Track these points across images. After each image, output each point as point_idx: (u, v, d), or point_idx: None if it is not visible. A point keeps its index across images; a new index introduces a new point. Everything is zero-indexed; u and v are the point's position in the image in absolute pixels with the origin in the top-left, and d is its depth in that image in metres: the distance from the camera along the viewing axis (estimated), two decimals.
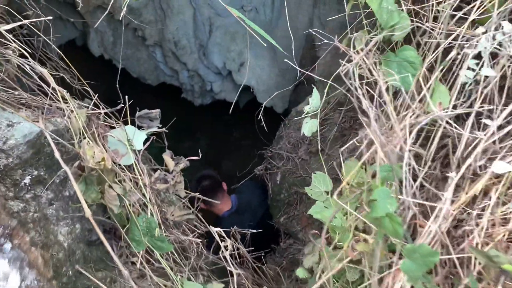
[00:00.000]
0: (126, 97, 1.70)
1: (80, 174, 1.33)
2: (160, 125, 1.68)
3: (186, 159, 1.67)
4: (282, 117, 4.38)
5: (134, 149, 1.57)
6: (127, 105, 1.58)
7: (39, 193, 1.31)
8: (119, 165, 1.48)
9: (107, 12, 2.09)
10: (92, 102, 1.56)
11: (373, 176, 1.55)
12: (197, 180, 3.26)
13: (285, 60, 3.98)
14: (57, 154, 1.22)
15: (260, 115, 2.58)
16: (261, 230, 2.89)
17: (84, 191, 1.31)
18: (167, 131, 1.78)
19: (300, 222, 2.91)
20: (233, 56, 4.09)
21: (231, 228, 2.88)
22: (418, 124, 1.32)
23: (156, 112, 1.65)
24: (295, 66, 2.30)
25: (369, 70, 1.51)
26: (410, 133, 1.31)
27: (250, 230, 3.13)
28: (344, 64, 1.63)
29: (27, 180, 1.29)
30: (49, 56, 2.49)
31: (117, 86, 2.75)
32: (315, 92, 1.70)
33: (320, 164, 2.88)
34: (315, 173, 1.82)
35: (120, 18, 1.68)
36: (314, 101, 1.69)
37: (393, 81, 1.60)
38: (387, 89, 1.48)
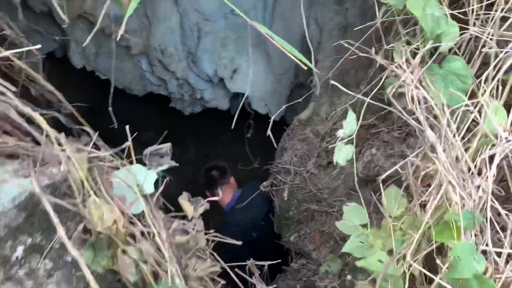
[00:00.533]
0: (127, 128, 1.43)
1: (85, 239, 1.06)
2: (173, 162, 1.41)
3: (206, 200, 1.41)
4: (278, 122, 4.14)
5: (144, 194, 1.30)
6: (130, 142, 1.31)
7: (35, 265, 1.03)
8: (130, 217, 1.21)
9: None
10: (92, 142, 1.29)
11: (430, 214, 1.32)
12: (206, 169, 3.26)
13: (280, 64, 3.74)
14: (54, 219, 0.94)
15: (268, 130, 2.33)
16: (269, 229, 2.76)
17: (92, 258, 1.05)
18: (177, 164, 1.51)
19: (313, 241, 2.67)
20: (224, 63, 3.81)
21: (233, 225, 2.95)
22: (496, 156, 1.08)
23: (167, 146, 1.39)
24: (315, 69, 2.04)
25: (416, 87, 1.26)
26: (490, 168, 1.08)
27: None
28: (385, 80, 1.39)
29: (19, 252, 1.01)
30: (32, 78, 2.18)
31: (110, 108, 2.46)
32: (351, 114, 1.45)
33: (331, 178, 2.65)
34: (347, 205, 1.57)
35: (117, 38, 1.40)
36: (350, 124, 1.44)
37: (437, 98, 1.36)
38: (442, 109, 1.24)
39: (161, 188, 1.33)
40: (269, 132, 2.34)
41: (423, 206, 1.42)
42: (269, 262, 1.99)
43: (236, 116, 2.38)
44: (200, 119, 5.20)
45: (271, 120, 2.30)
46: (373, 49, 1.50)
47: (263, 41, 3.66)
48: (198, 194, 4.85)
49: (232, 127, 2.39)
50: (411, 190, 1.43)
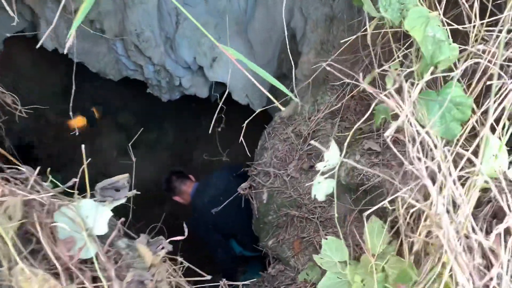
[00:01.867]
0: (84, 157, 1.23)
1: None
2: (131, 194, 1.21)
3: (167, 240, 1.22)
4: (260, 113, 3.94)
5: (94, 235, 1.11)
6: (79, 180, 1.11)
7: None
8: (80, 268, 1.02)
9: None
10: (33, 178, 1.08)
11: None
12: (165, 177, 3.48)
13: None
14: None
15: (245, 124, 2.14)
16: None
17: None
18: (138, 192, 1.32)
19: (292, 247, 2.52)
20: (204, 50, 3.57)
21: (195, 212, 3.16)
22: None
23: (123, 178, 1.19)
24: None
25: (410, 123, 1.08)
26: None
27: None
28: (374, 107, 1.20)
29: None
30: None
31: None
32: (334, 145, 1.27)
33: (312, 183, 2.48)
34: (326, 239, 1.41)
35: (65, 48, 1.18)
36: (332, 157, 1.26)
37: (434, 130, 1.19)
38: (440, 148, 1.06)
39: (115, 231, 1.13)
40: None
41: (409, 245, 1.27)
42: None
43: (218, 107, 2.27)
44: (180, 103, 4.97)
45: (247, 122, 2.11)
46: (361, 72, 1.29)
47: (244, 30, 3.42)
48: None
49: (215, 118, 2.30)
50: (400, 227, 1.26)
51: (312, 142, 1.25)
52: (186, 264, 1.53)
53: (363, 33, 1.62)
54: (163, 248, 1.15)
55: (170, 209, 5.53)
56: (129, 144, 2.87)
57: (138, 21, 3.58)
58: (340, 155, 1.25)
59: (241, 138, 2.15)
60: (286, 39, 2.08)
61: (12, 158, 1.21)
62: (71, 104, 2.34)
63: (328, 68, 2.67)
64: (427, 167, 1.09)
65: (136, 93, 5.50)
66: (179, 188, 3.35)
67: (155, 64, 3.83)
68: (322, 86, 2.76)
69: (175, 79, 3.94)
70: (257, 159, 2.77)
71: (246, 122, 2.09)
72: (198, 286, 1.66)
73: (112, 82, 4.50)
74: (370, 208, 2.01)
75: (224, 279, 1.86)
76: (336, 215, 1.39)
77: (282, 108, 1.41)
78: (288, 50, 2.24)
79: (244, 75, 3.83)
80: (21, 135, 5.76)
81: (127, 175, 1.20)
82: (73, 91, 2.23)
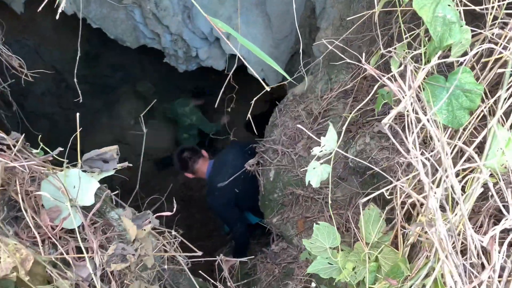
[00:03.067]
0: (78, 125, 1.20)
1: None
2: (119, 167, 1.18)
3: (155, 215, 1.20)
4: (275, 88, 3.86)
5: (79, 206, 1.09)
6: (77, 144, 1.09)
7: None
8: (62, 237, 1.01)
9: None
10: (17, 147, 1.05)
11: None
12: (177, 155, 3.32)
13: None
14: None
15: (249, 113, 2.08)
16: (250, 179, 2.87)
17: None
18: (130, 165, 1.29)
19: (296, 226, 2.49)
20: (221, 21, 3.48)
21: (214, 190, 3.06)
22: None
23: (112, 150, 1.16)
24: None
25: (414, 110, 1.01)
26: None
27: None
28: (376, 89, 1.13)
29: None
30: None
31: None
32: (331, 129, 1.20)
33: None
34: (318, 224, 1.36)
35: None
36: (329, 142, 1.19)
37: (434, 116, 1.11)
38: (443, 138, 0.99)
39: (100, 202, 1.11)
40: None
41: (404, 237, 1.21)
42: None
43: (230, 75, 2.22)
44: (197, 74, 4.92)
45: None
46: (365, 52, 1.21)
47: (263, 1, 3.31)
48: (192, 143, 4.61)
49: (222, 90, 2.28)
50: (396, 217, 1.21)
51: (322, 137, 1.17)
52: (180, 238, 1.52)
53: (377, 10, 1.52)
54: (149, 222, 1.12)
55: (184, 179, 5.56)
56: (141, 115, 2.85)
57: None
58: (338, 140, 1.19)
59: (249, 115, 2.10)
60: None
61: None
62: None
63: (342, 46, 2.57)
64: (426, 158, 1.02)
65: (154, 61, 5.47)
66: (192, 167, 3.23)
67: (173, 34, 3.77)
68: (337, 64, 2.66)
69: (192, 49, 3.88)
70: (267, 136, 2.72)
71: (254, 99, 2.03)
72: (195, 260, 1.65)
73: (130, 50, 4.47)
74: (370, 192, 1.95)
75: (221, 255, 1.86)
76: (329, 201, 1.34)
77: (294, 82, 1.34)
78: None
79: (260, 49, 3.72)
80: (42, 99, 5.84)
81: (115, 146, 1.17)
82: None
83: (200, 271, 1.68)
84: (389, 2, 1.95)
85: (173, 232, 1.47)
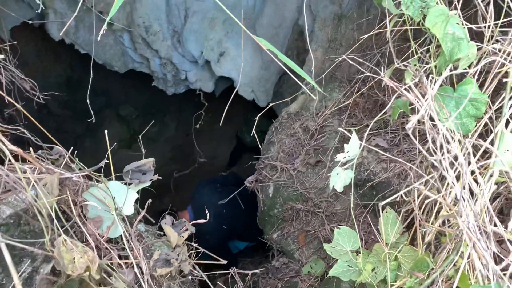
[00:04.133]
0: (109, 151, 1.27)
1: (54, 281, 0.92)
2: (155, 178, 1.25)
3: (191, 223, 1.26)
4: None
5: (123, 215, 1.15)
6: (106, 161, 1.15)
7: None
8: (106, 246, 1.07)
9: None
10: (64, 161, 1.12)
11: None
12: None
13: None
14: (8, 262, 0.79)
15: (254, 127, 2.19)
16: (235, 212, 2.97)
17: None
18: (160, 177, 1.36)
19: (297, 241, 2.57)
20: (211, 45, 3.61)
21: (203, 234, 3.06)
22: None
23: (149, 162, 1.23)
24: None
25: (430, 117, 1.13)
26: None
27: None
28: (394, 102, 1.24)
29: None
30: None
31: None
32: (354, 137, 1.31)
33: (320, 177, 2.54)
34: (339, 228, 1.46)
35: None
36: (352, 148, 1.30)
37: (450, 123, 1.24)
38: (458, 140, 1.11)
39: (143, 211, 1.18)
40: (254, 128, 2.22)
41: (422, 235, 1.32)
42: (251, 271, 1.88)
43: (228, 104, 2.32)
44: (183, 96, 5.00)
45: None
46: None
47: (252, 25, 3.46)
48: (178, 170, 4.68)
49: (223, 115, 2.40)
50: (415, 217, 1.31)
51: (345, 145, 1.28)
52: (202, 249, 1.58)
53: (378, 31, 1.67)
54: (186, 229, 1.19)
55: (170, 201, 5.57)
56: (139, 136, 2.92)
57: (146, 14, 3.61)
58: (360, 147, 1.30)
59: (254, 131, 2.20)
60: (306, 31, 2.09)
61: (51, 138, 1.25)
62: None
63: (338, 65, 2.71)
64: (445, 159, 1.14)
65: (139, 86, 5.53)
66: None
67: (162, 58, 3.86)
68: (329, 83, 2.81)
69: (181, 73, 3.97)
70: (264, 153, 2.82)
71: (257, 116, 2.14)
72: (209, 273, 1.71)
73: (114, 74, 4.52)
74: (375, 202, 2.06)
75: (234, 267, 1.92)
76: (351, 205, 1.42)
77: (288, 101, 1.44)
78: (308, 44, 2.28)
79: (250, 70, 3.88)
80: (23, 126, 5.78)
81: (152, 159, 1.24)
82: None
83: (217, 282, 1.74)
84: (381, 20, 2.10)
85: (194, 244, 1.53)
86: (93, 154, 5.86)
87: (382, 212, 1.38)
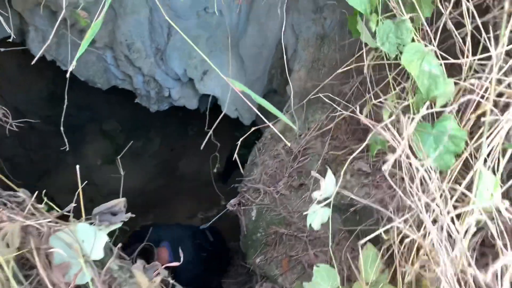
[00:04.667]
0: (80, 189, 1.23)
1: None
2: (126, 218, 1.21)
3: (163, 266, 1.22)
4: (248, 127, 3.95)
5: (91, 260, 1.11)
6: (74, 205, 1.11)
7: None
8: None
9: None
10: (30, 202, 1.07)
11: None
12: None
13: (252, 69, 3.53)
14: None
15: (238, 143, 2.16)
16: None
17: None
18: (133, 215, 1.32)
19: (280, 266, 2.53)
20: (195, 63, 3.58)
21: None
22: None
23: (120, 203, 1.19)
24: None
25: (407, 156, 1.11)
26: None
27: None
28: (370, 138, 1.22)
29: None
30: None
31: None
32: (330, 174, 1.29)
33: (303, 201, 2.51)
34: (318, 266, 1.42)
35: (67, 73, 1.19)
36: (328, 186, 1.28)
37: (428, 161, 1.22)
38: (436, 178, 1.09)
39: (113, 257, 1.13)
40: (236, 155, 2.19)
41: (402, 275, 1.29)
42: None
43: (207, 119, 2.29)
44: (167, 112, 4.97)
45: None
46: (352, 94, 1.32)
47: (235, 44, 3.44)
48: (161, 187, 4.63)
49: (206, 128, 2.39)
50: (394, 257, 1.29)
51: (313, 173, 1.25)
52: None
53: (357, 57, 1.66)
54: (158, 274, 1.15)
55: (154, 219, 5.50)
56: (118, 157, 2.87)
57: (129, 31, 3.58)
58: (336, 184, 1.27)
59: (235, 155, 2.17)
60: (284, 54, 2.07)
61: (7, 181, 1.20)
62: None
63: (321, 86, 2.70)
64: (421, 200, 1.11)
65: (123, 101, 5.47)
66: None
67: (145, 75, 3.82)
68: (312, 104, 2.80)
69: (164, 90, 3.94)
70: (247, 175, 2.79)
71: (240, 140, 2.11)
72: None
73: (97, 90, 4.47)
74: (359, 228, 2.04)
75: None
76: (330, 243, 1.40)
77: (272, 127, 1.42)
78: (286, 66, 2.27)
79: (234, 89, 3.82)
80: (3, 141, 5.68)
81: (124, 199, 1.20)
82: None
83: None
84: (361, 45, 2.09)
85: (171, 281, 1.49)
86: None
87: (362, 249, 1.36)
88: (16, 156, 5.84)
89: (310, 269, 2.45)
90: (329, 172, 1.26)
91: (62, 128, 2.01)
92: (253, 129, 2.46)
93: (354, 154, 1.29)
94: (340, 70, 1.71)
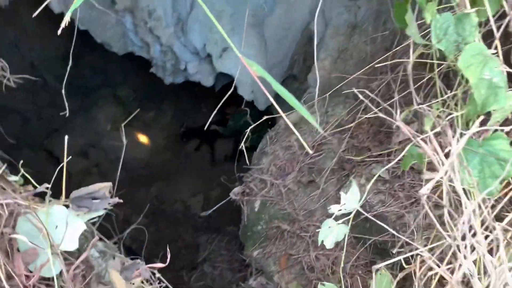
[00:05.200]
0: (65, 155, 1.05)
1: None
2: (110, 206, 1.03)
3: (147, 266, 1.04)
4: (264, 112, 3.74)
5: (60, 251, 0.93)
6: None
7: None
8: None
9: None
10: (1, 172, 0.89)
11: None
12: None
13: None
14: None
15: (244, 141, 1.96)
16: None
17: None
18: (120, 201, 1.13)
19: (278, 263, 2.36)
20: (215, 39, 3.36)
21: None
22: None
23: (105, 188, 1.00)
24: None
25: (450, 179, 0.91)
26: None
27: None
28: (408, 149, 1.02)
29: None
30: None
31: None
32: (355, 187, 1.08)
33: (310, 199, 2.32)
34: (323, 284, 1.24)
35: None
36: (351, 200, 1.08)
37: (471, 184, 1.01)
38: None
39: (88, 250, 0.95)
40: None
41: None
42: None
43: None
44: (182, 86, 4.76)
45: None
46: (378, 90, 1.11)
47: (260, 23, 3.21)
48: (167, 162, 4.46)
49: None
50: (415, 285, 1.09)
51: (342, 193, 1.05)
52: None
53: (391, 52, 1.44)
54: (139, 275, 0.97)
55: (156, 192, 5.35)
56: (122, 124, 2.71)
57: None
58: (360, 199, 1.07)
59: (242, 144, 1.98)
60: (315, 39, 1.85)
61: None
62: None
63: (345, 78, 2.49)
64: (458, 230, 0.92)
65: (138, 69, 5.28)
66: None
67: (163, 45, 3.62)
68: (334, 97, 2.58)
69: (181, 63, 3.74)
70: (254, 163, 2.60)
71: (250, 127, 1.92)
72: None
73: (116, 55, 4.28)
74: (368, 238, 1.84)
75: None
76: (342, 265, 1.21)
77: (285, 118, 1.22)
78: (315, 54, 2.06)
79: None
80: (15, 94, 5.54)
81: (109, 184, 1.02)
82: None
83: None
84: (400, 39, 1.87)
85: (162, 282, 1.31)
86: (83, 133, 5.61)
87: (375, 274, 1.17)
88: (27, 111, 5.70)
89: (309, 271, 2.28)
90: (354, 185, 1.06)
91: (63, 92, 1.82)
92: (265, 117, 2.27)
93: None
94: (378, 64, 1.48)
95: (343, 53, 2.78)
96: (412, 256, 1.10)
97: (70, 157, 1.08)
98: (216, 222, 4.48)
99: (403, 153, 1.03)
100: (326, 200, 2.26)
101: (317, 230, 2.30)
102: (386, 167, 1.61)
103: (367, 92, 1.43)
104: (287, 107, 3.18)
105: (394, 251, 1.51)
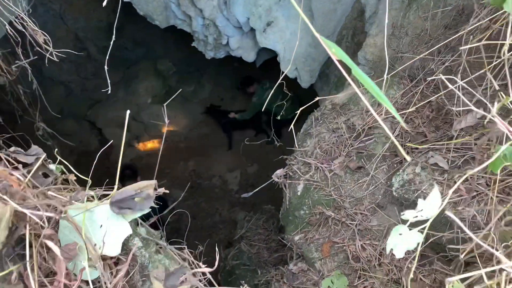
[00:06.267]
0: (122, 149, 0.91)
1: None
2: (156, 206, 0.90)
3: (192, 272, 0.91)
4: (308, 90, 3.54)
5: (99, 254, 0.81)
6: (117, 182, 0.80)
7: None
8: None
9: None
10: (38, 165, 0.77)
11: None
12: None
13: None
14: None
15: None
16: None
17: None
18: (167, 191, 1.00)
19: (320, 249, 2.22)
20: (259, 12, 3.16)
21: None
22: None
23: (149, 187, 0.87)
24: None
25: None
26: None
27: None
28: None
29: None
30: None
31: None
32: (436, 192, 0.91)
33: (358, 186, 2.14)
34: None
35: None
36: (430, 207, 0.90)
37: None
38: None
39: (131, 255, 0.83)
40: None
41: None
42: None
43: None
44: (222, 60, 4.60)
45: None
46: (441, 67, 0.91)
47: None
48: (204, 136, 4.36)
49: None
50: None
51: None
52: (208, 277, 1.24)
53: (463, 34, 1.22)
54: (185, 279, 0.84)
55: (194, 166, 5.29)
56: (164, 104, 2.59)
57: None
58: (441, 204, 0.89)
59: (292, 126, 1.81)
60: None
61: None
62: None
63: (399, 57, 2.25)
64: None
65: (180, 43, 5.14)
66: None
67: (205, 18, 3.44)
68: (388, 77, 2.35)
69: (223, 37, 3.56)
70: (298, 144, 2.43)
71: (300, 109, 1.74)
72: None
73: (158, 28, 4.15)
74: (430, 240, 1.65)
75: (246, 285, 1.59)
76: (411, 276, 1.05)
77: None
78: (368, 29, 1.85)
79: (297, 46, 3.35)
80: (61, 65, 5.53)
81: (154, 181, 0.88)
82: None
83: None
84: (467, 15, 1.63)
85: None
86: (124, 105, 5.58)
87: (446, 286, 1.00)
88: (71, 82, 5.70)
89: (354, 261, 2.12)
90: (436, 190, 0.88)
91: (106, 67, 1.70)
92: (317, 98, 2.08)
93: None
94: (453, 43, 1.26)
95: (397, 29, 2.53)
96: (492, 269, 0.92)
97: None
98: (253, 199, 4.38)
99: (495, 156, 0.84)
100: (375, 188, 2.08)
101: (363, 219, 2.14)
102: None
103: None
104: (331, 87, 2.93)
105: (462, 255, 1.33)
